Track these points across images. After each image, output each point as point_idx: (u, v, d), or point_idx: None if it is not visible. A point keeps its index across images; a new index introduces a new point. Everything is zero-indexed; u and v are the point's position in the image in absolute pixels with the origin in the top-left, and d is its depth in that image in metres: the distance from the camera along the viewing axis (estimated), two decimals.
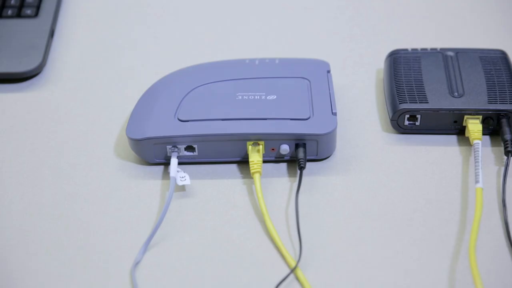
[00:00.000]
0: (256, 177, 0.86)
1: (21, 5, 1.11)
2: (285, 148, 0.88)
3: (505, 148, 0.89)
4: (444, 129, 0.93)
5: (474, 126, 0.90)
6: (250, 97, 0.92)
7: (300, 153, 0.88)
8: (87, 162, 0.91)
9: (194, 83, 0.94)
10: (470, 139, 0.90)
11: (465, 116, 0.91)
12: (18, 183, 0.89)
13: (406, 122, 0.92)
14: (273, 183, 0.88)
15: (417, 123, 0.92)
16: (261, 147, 0.88)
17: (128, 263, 0.80)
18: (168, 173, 0.87)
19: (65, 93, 1.01)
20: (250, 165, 0.87)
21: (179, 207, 0.86)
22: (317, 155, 0.89)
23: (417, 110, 0.91)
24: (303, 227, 0.82)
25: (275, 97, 0.92)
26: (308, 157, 0.89)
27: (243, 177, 0.89)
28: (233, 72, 0.96)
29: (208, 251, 0.82)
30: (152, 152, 0.89)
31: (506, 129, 0.89)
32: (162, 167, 0.90)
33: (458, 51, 0.97)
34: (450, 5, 1.14)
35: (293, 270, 0.79)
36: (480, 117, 0.91)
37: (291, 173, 0.89)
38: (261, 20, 1.13)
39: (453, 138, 0.93)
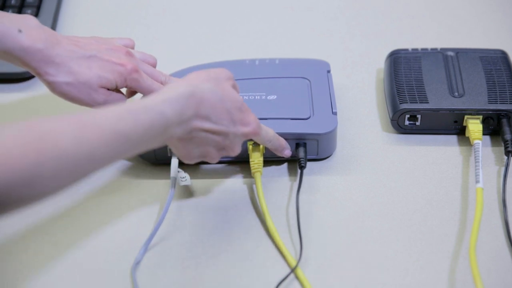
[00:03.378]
0: (257, 176, 0.86)
1: (21, 5, 1.11)
2: None
3: (505, 148, 0.89)
4: (444, 129, 0.93)
5: (474, 126, 0.90)
6: (250, 97, 0.92)
7: (300, 152, 0.88)
8: None
9: None
10: (470, 139, 0.90)
11: (465, 116, 0.91)
12: None
13: (407, 122, 0.93)
14: (273, 183, 0.88)
15: (418, 123, 0.92)
16: (261, 146, 0.88)
17: (128, 263, 0.80)
18: (169, 173, 0.87)
19: None
20: (251, 165, 0.87)
21: (179, 207, 0.86)
22: (317, 154, 0.89)
23: (418, 110, 0.91)
24: (304, 226, 0.82)
25: (276, 97, 0.92)
26: (308, 157, 0.89)
27: (244, 177, 0.89)
28: (233, 72, 0.95)
29: (208, 251, 0.82)
30: (152, 152, 0.89)
31: (506, 129, 0.89)
32: (163, 167, 0.90)
33: (458, 51, 0.97)
34: (450, 5, 1.14)
35: (293, 270, 0.79)
36: (480, 117, 0.91)
37: (291, 173, 0.89)
38: (261, 20, 1.13)
39: (453, 138, 0.93)
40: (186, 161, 0.80)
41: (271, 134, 0.84)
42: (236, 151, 0.80)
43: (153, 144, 0.73)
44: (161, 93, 0.73)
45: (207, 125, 0.75)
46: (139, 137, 0.69)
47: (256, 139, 0.83)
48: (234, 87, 0.80)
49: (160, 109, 0.71)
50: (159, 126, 0.71)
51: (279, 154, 0.87)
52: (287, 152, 0.87)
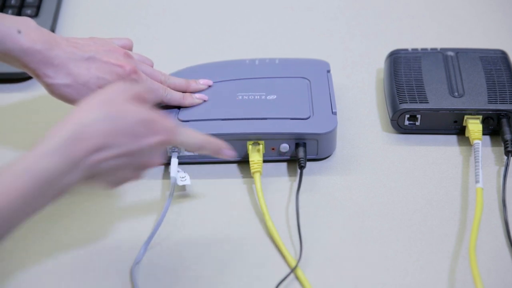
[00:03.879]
0: (257, 176, 0.86)
1: (21, 5, 1.11)
2: (285, 148, 0.88)
3: (505, 148, 0.89)
4: (444, 129, 0.93)
5: (474, 126, 0.90)
6: (250, 97, 0.92)
7: (300, 152, 0.88)
8: None
9: None
10: (470, 139, 0.90)
11: (465, 116, 0.91)
12: None
13: (406, 122, 0.93)
14: (273, 183, 0.88)
15: (417, 123, 0.92)
16: (261, 146, 0.88)
17: (128, 263, 0.80)
18: (169, 173, 0.87)
19: None
20: (251, 165, 0.87)
21: (179, 207, 0.86)
22: (317, 154, 0.89)
23: (417, 110, 0.91)
24: (304, 226, 0.82)
25: (275, 97, 0.92)
26: (308, 157, 0.89)
27: (243, 177, 0.89)
28: (233, 72, 0.96)
29: (208, 251, 0.82)
30: None
31: (506, 129, 0.89)
32: (162, 167, 0.90)
33: (458, 51, 0.97)
34: (450, 5, 1.14)
35: (293, 270, 0.79)
36: (480, 117, 0.91)
37: (291, 173, 0.89)
38: (261, 20, 1.13)
39: (453, 138, 0.93)
40: (112, 189, 0.75)
41: (198, 138, 0.76)
42: (156, 162, 0.74)
43: (50, 200, 0.68)
44: (41, 145, 0.67)
45: (104, 154, 0.69)
46: (28, 201, 0.66)
47: (176, 145, 0.77)
48: (136, 98, 0.72)
49: (42, 167, 0.66)
50: (46, 184, 0.66)
51: (220, 156, 0.78)
52: (228, 152, 0.79)
